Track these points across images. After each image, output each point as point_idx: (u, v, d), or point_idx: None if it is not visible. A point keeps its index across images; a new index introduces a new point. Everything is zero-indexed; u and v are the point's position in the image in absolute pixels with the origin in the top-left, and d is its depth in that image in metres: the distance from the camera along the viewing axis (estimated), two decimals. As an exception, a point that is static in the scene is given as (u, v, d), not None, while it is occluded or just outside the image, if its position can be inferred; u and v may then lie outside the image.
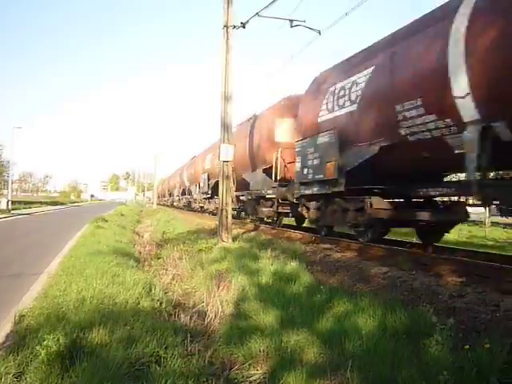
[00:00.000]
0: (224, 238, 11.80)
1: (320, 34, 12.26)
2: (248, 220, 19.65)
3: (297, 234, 13.23)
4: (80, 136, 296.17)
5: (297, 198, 13.57)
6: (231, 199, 12.48)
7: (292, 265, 7.80)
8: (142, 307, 5.91)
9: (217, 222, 13.54)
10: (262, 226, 16.77)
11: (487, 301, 5.50)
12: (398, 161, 9.39)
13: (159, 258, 10.59)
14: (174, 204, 50.18)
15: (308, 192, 12.31)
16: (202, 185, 28.88)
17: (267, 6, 11.47)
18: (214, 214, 23.96)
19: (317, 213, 12.55)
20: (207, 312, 6.35)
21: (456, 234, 18.38)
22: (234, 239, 12.12)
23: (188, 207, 37.86)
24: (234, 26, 11.94)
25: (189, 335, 5.13)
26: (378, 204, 9.80)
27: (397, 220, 10.03)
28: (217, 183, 21.98)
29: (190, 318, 6.24)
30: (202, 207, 31.15)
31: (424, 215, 9.39)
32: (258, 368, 4.30)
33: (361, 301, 5.38)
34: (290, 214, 16.64)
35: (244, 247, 10.44)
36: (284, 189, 14.75)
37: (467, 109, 7.10)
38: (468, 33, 7.04)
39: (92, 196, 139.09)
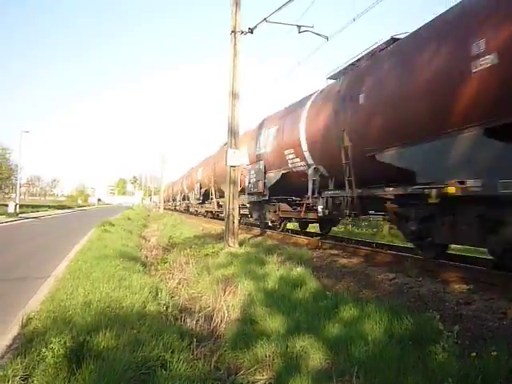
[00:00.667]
0: (230, 243, 11.80)
1: (328, 39, 12.30)
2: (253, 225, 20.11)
3: (303, 240, 13.23)
4: (87, 140, 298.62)
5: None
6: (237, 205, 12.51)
7: (298, 270, 7.80)
8: (149, 311, 5.92)
9: (223, 227, 13.57)
10: (269, 232, 16.79)
11: (494, 308, 5.49)
12: (290, 182, 15.16)
13: (166, 263, 10.58)
14: (177, 208, 54.61)
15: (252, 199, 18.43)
16: (196, 192, 35.28)
17: (275, 12, 11.52)
18: (205, 216, 32.81)
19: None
20: (213, 316, 6.36)
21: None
22: (241, 244, 12.13)
23: (187, 211, 43.76)
24: (242, 32, 11.99)
25: (195, 339, 5.13)
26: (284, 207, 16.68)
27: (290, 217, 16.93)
28: (206, 191, 30.21)
29: (196, 323, 6.24)
30: (196, 210, 37.59)
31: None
32: (264, 373, 4.30)
33: (367, 307, 5.37)
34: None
35: (250, 252, 10.44)
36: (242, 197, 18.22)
37: (308, 157, 13.24)
38: (307, 117, 13.25)
39: (99, 200, 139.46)
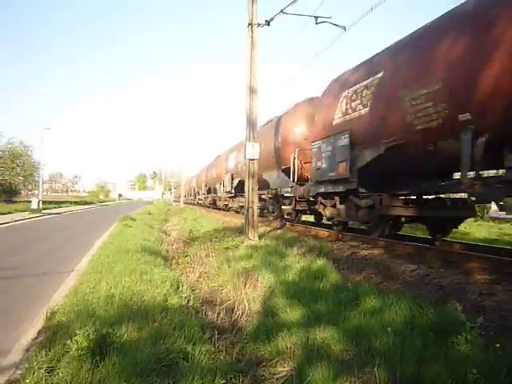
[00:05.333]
0: (250, 236, 11.81)
1: (345, 30, 12.16)
2: (271, 218, 19.89)
3: (324, 232, 13.16)
4: (107, 136, 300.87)
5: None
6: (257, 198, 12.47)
7: (319, 262, 7.77)
8: (170, 304, 5.99)
9: (243, 221, 13.59)
10: (288, 224, 16.78)
11: (518, 299, 5.38)
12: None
13: (186, 256, 10.66)
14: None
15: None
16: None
17: (292, 3, 11.44)
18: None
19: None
20: (234, 309, 6.41)
21: (486, 232, 18.07)
22: (260, 237, 12.13)
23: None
24: (259, 24, 11.92)
25: (216, 332, 5.18)
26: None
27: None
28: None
29: (217, 315, 6.31)
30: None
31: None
32: (285, 365, 4.32)
33: (388, 298, 5.33)
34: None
35: (270, 245, 10.44)
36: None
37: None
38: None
39: (120, 195, 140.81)
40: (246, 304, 6.39)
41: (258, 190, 13.43)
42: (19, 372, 4.03)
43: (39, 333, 5.27)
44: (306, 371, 3.91)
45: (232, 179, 28.04)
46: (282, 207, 17.92)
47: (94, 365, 3.65)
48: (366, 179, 10.68)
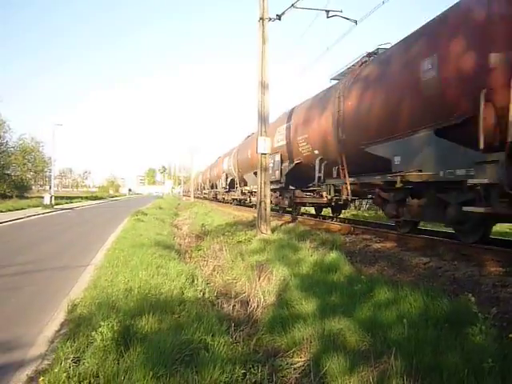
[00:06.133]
0: (263, 230, 11.91)
1: (356, 24, 12.17)
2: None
3: (336, 226, 13.23)
4: (116, 131, 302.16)
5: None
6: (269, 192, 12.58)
7: (332, 255, 7.85)
8: (187, 297, 6.09)
9: (254, 215, 13.69)
10: (300, 218, 16.86)
11: (532, 290, 5.44)
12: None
13: (199, 250, 10.77)
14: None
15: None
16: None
17: (302, -2, 11.47)
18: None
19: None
20: (249, 302, 6.50)
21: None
22: (273, 231, 12.22)
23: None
24: (270, 19, 11.97)
25: (232, 324, 5.28)
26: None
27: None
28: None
29: (233, 308, 6.40)
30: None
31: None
32: (302, 356, 4.40)
33: (402, 290, 5.40)
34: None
35: (283, 238, 10.53)
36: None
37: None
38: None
39: (130, 190, 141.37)
40: (261, 296, 6.47)
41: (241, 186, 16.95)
42: (46, 362, 4.17)
43: (62, 325, 5.42)
44: (322, 361, 3.99)
45: (226, 178, 35.26)
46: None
47: (119, 355, 3.78)
48: (290, 180, 17.54)
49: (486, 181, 7.06)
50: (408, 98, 8.99)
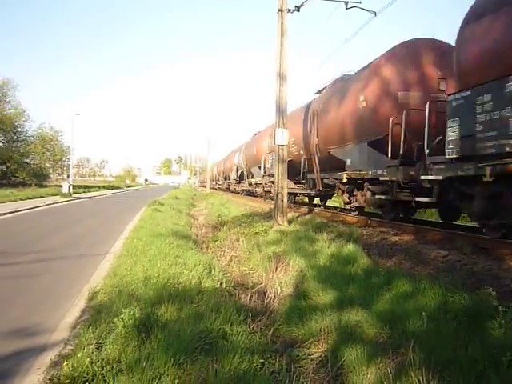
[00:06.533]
0: (280, 221, 11.94)
1: (376, 15, 12.06)
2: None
3: (352, 218, 13.21)
4: (133, 121, 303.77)
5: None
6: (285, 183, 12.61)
7: (349, 247, 7.85)
8: (205, 287, 6.14)
9: (270, 206, 13.73)
10: (316, 210, 16.85)
11: (552, 285, 5.39)
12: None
13: (216, 241, 10.85)
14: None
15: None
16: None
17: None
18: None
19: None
20: (266, 292, 6.54)
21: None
22: (290, 222, 12.24)
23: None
24: (289, 10, 11.90)
25: (250, 314, 5.32)
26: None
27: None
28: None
29: (250, 298, 6.44)
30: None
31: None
32: (319, 346, 4.43)
33: (420, 283, 5.39)
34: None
35: (300, 230, 10.54)
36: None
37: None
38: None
39: (146, 180, 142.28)
40: (278, 287, 6.51)
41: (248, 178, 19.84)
42: (69, 347, 4.27)
43: (83, 311, 5.53)
44: (340, 352, 4.02)
45: (237, 171, 39.54)
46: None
47: (140, 342, 3.85)
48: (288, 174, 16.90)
49: (387, 178, 11.10)
50: (352, 118, 12.82)
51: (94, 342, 3.96)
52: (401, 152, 10.34)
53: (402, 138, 10.24)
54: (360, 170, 12.56)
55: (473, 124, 7.71)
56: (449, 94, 8.78)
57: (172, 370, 3.38)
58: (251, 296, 6.56)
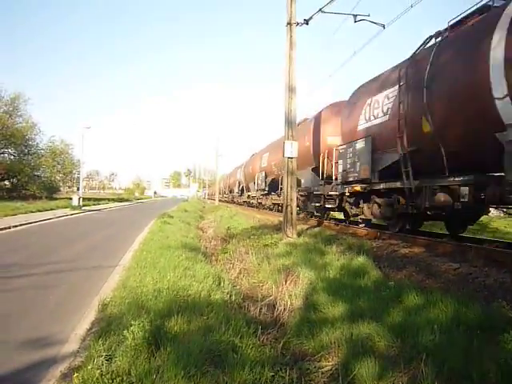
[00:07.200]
0: (289, 234, 11.91)
1: (384, 27, 12.12)
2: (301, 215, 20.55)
3: (362, 230, 13.15)
4: (142, 134, 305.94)
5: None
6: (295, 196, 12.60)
7: (359, 260, 7.81)
8: (214, 299, 6.12)
9: (279, 219, 13.71)
10: (326, 222, 16.81)
11: None
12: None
13: (225, 253, 10.83)
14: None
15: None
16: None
17: (330, 2, 11.46)
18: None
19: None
20: (276, 305, 6.50)
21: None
22: (299, 235, 12.21)
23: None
24: (298, 23, 11.99)
25: (260, 327, 5.29)
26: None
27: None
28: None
29: (260, 311, 6.40)
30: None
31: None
32: (330, 359, 4.39)
33: (431, 296, 5.35)
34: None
35: (309, 242, 10.51)
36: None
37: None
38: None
39: (155, 193, 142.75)
40: (288, 300, 6.47)
41: (247, 192, 25.35)
42: (79, 359, 4.27)
43: (93, 323, 5.52)
44: (351, 365, 3.98)
45: (239, 185, 43.83)
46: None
47: (150, 354, 3.84)
48: (270, 189, 27.07)
49: (320, 192, 17.87)
50: (304, 152, 17.94)
51: (104, 354, 3.95)
52: (324, 176, 17.12)
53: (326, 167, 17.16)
54: (308, 187, 19.45)
55: (346, 164, 14.61)
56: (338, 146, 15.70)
57: (182, 383, 3.37)
58: (261, 308, 6.52)
